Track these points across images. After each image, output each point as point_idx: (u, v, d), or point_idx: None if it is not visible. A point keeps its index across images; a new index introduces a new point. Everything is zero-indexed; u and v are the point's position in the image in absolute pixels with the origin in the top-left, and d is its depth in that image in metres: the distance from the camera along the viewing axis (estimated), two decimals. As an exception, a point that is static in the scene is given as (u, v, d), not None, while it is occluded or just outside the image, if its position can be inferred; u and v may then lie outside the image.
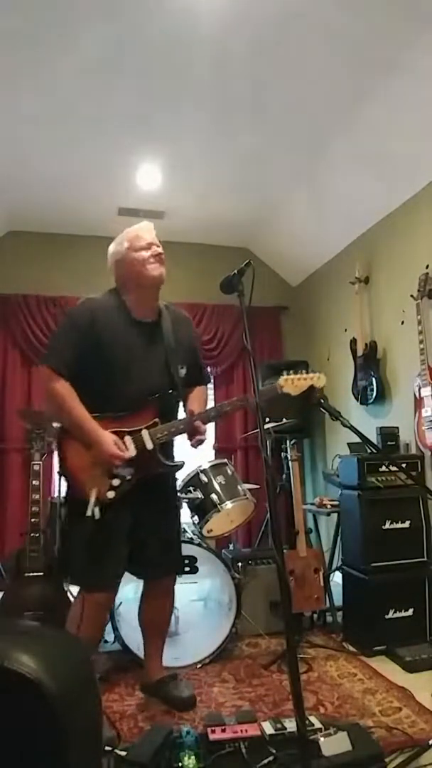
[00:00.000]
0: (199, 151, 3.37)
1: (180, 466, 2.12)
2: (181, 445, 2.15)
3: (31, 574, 2.61)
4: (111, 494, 1.91)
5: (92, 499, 1.85)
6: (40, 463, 2.81)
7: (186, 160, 3.47)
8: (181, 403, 2.19)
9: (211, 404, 4.50)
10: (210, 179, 3.71)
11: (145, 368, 2.02)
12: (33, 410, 3.84)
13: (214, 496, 2.50)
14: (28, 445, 2.96)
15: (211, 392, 4.57)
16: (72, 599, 2.66)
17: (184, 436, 2.07)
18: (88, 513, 1.84)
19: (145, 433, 1.97)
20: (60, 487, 3.12)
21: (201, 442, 2.07)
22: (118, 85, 2.73)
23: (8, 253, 4.28)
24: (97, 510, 1.85)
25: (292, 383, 2.04)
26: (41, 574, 2.61)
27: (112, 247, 2.11)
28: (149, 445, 1.96)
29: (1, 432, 4.03)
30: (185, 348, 2.16)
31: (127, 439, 1.95)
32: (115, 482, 1.93)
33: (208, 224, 4.33)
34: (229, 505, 2.49)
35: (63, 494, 2.14)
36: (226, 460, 2.71)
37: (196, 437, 2.05)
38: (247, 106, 2.93)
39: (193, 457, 2.57)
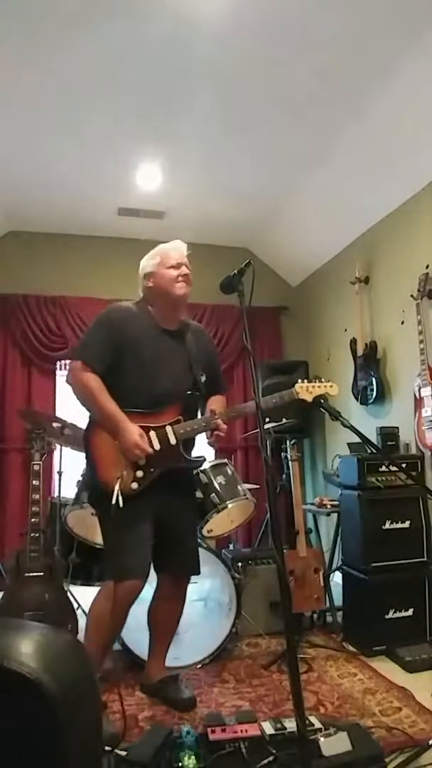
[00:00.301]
0: (199, 151, 3.37)
1: (201, 461, 2.23)
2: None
3: (31, 574, 2.61)
4: (134, 485, 1.99)
5: (117, 488, 1.94)
6: (40, 463, 2.80)
7: (186, 160, 3.47)
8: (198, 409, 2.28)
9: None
10: (210, 179, 3.71)
11: (171, 369, 2.12)
12: (33, 410, 3.84)
13: (214, 496, 2.50)
14: (28, 445, 2.96)
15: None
16: (72, 600, 2.66)
17: (202, 436, 2.18)
18: (113, 501, 1.92)
19: (169, 429, 2.07)
20: (60, 487, 3.14)
21: (219, 438, 2.16)
22: (119, 85, 2.73)
23: (8, 253, 4.28)
24: (121, 499, 1.93)
25: (307, 390, 2.17)
26: (41, 574, 2.61)
27: (144, 261, 2.22)
28: (173, 440, 2.06)
29: (1, 432, 4.03)
30: (205, 357, 2.27)
31: (152, 434, 2.05)
32: (139, 473, 2.01)
33: (208, 224, 4.33)
34: (229, 505, 2.49)
35: (86, 487, 2.26)
36: (226, 460, 2.71)
37: (215, 434, 2.13)
38: (246, 106, 2.93)
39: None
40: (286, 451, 3.04)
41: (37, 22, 2.32)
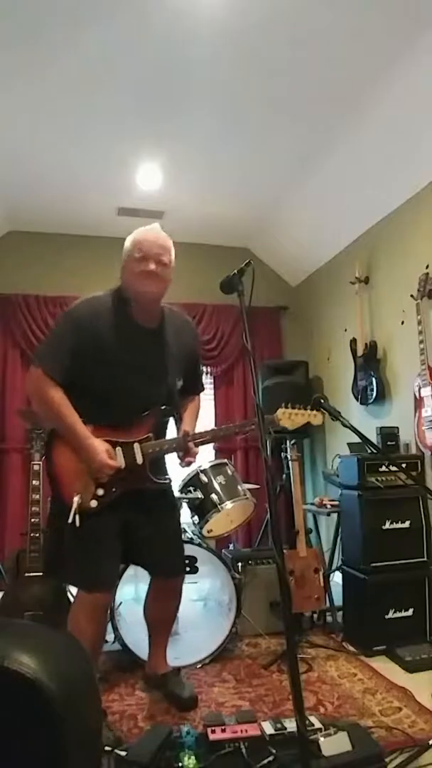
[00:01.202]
0: (199, 151, 3.37)
1: (168, 484, 2.10)
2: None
3: (31, 574, 2.61)
4: (94, 503, 1.88)
5: (74, 506, 1.83)
6: (40, 463, 2.81)
7: (186, 160, 3.47)
8: (173, 418, 2.16)
9: (211, 404, 4.53)
10: (210, 179, 3.71)
11: (144, 379, 1.96)
12: (33, 410, 3.84)
13: (214, 496, 2.49)
14: (28, 445, 2.96)
15: (211, 393, 4.58)
16: (72, 600, 2.66)
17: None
18: (69, 520, 1.82)
19: (136, 447, 1.94)
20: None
21: (190, 463, 2.05)
22: (118, 85, 2.73)
23: (8, 253, 4.28)
24: (77, 517, 1.83)
25: (289, 418, 2.09)
26: (41, 574, 2.61)
27: (125, 244, 2.00)
28: (139, 459, 1.93)
29: (1, 432, 4.03)
30: (185, 356, 2.11)
31: (118, 450, 1.92)
32: (100, 492, 1.89)
33: (208, 224, 4.33)
34: (229, 505, 2.49)
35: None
36: (226, 460, 2.71)
37: (186, 458, 2.02)
38: (247, 106, 2.93)
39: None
40: (286, 451, 3.04)
41: (36, 22, 2.32)
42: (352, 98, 2.86)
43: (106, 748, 1.65)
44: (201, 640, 2.55)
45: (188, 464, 2.05)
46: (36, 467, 2.83)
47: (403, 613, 2.62)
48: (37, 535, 2.68)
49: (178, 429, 2.12)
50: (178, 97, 2.85)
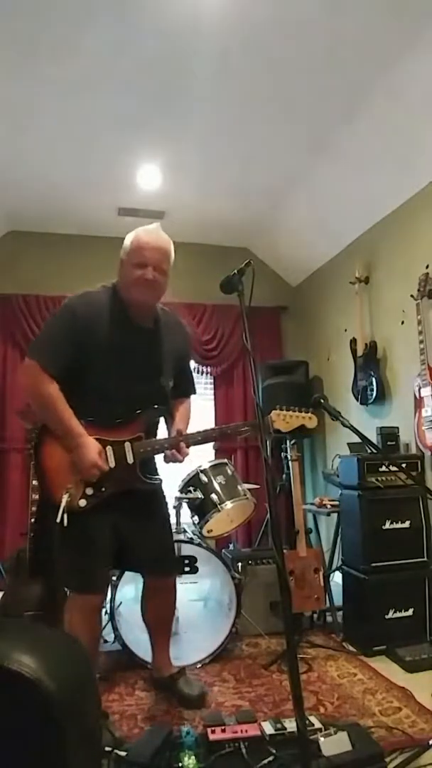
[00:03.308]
0: (199, 151, 3.37)
1: (158, 484, 2.07)
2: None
3: (31, 574, 2.61)
4: (83, 503, 1.85)
5: (63, 505, 1.80)
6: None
7: (186, 160, 3.47)
8: (163, 418, 2.15)
9: (211, 404, 4.53)
10: (210, 179, 3.71)
11: (138, 377, 1.94)
12: (33, 410, 3.83)
13: (214, 496, 2.50)
14: (28, 445, 2.96)
15: (210, 392, 4.58)
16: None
17: None
18: (58, 519, 1.79)
19: (127, 446, 1.91)
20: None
21: (177, 461, 2.01)
22: (119, 85, 2.73)
23: (8, 253, 4.28)
24: (65, 517, 1.80)
25: (283, 420, 2.05)
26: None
27: (124, 241, 1.98)
28: (130, 459, 1.91)
29: (1, 432, 4.04)
30: (177, 356, 2.11)
31: (109, 449, 1.89)
32: (89, 491, 1.87)
33: (208, 224, 4.33)
34: (229, 505, 2.49)
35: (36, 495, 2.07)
36: (226, 460, 2.71)
37: (174, 457, 1.98)
38: (246, 106, 2.93)
39: (192, 458, 2.57)
40: (286, 451, 3.04)
41: (36, 21, 2.32)
42: (352, 98, 2.86)
43: (106, 748, 1.65)
44: (201, 640, 2.55)
45: (173, 461, 2.00)
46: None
47: (403, 613, 2.62)
48: (37, 535, 2.68)
49: (168, 429, 2.11)
50: (178, 97, 2.85)
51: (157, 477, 2.07)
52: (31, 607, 2.53)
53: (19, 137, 3.13)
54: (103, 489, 1.89)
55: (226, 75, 2.69)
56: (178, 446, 1.97)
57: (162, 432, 2.14)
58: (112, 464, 1.88)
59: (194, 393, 2.31)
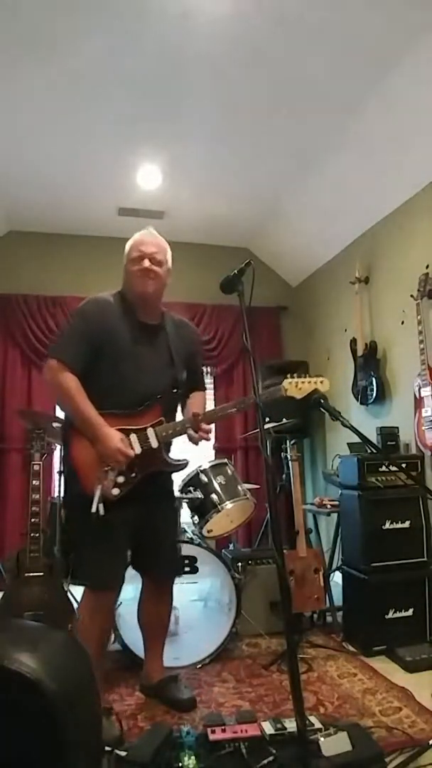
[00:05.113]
0: (199, 152, 3.37)
1: (185, 465, 2.12)
2: (181, 446, 2.16)
3: (31, 574, 2.61)
4: (116, 491, 1.91)
5: (97, 495, 1.85)
6: (40, 463, 2.80)
7: (186, 160, 3.47)
8: (179, 407, 2.21)
9: (211, 404, 4.53)
10: (210, 179, 3.71)
11: (151, 367, 2.04)
12: (33, 410, 3.84)
13: (214, 496, 2.49)
14: (28, 445, 2.96)
15: (210, 393, 4.57)
16: (72, 600, 2.66)
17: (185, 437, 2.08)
18: (93, 509, 1.83)
19: (150, 432, 1.97)
20: (60, 487, 3.14)
21: (203, 440, 2.08)
22: (119, 85, 2.73)
23: (8, 253, 4.28)
24: (101, 507, 1.85)
25: (296, 386, 2.05)
26: (41, 574, 2.61)
27: (125, 250, 2.12)
28: (154, 444, 1.97)
29: (1, 432, 4.03)
30: (188, 352, 2.18)
31: (133, 437, 1.96)
32: (120, 479, 1.92)
33: (208, 224, 4.33)
34: (229, 505, 2.49)
35: (62, 491, 2.12)
36: (226, 460, 2.70)
37: (200, 435, 2.05)
38: (246, 106, 2.93)
39: (193, 457, 2.57)
40: (286, 451, 3.04)
41: (37, 22, 2.32)
42: (351, 99, 2.86)
43: (106, 748, 1.65)
44: (201, 640, 2.54)
45: (201, 441, 2.06)
46: (36, 467, 2.82)
47: (403, 613, 2.62)
48: (37, 535, 2.68)
49: (184, 416, 2.18)
50: (178, 97, 2.85)
51: (182, 459, 2.12)
52: (31, 607, 2.53)
53: (20, 137, 3.13)
54: (134, 475, 1.94)
55: (226, 75, 2.69)
56: (198, 425, 2.02)
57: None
58: (138, 450, 1.94)
59: (205, 389, 2.40)
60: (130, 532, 2.00)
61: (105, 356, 1.98)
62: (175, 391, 2.09)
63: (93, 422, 1.90)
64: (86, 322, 2.01)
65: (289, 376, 2.08)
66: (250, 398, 2.06)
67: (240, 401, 2.14)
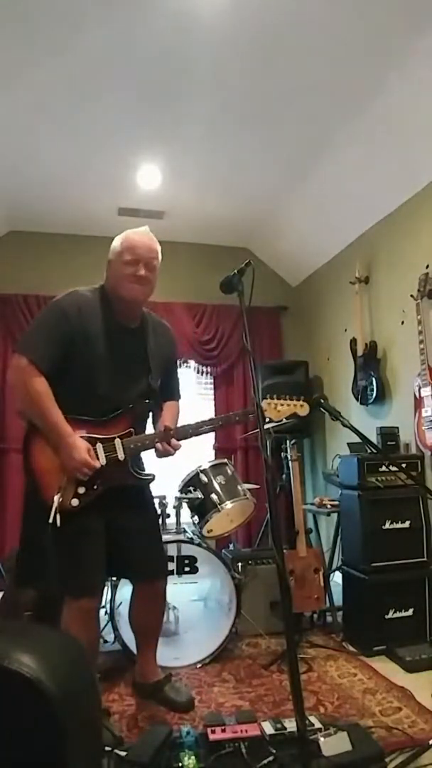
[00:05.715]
0: (199, 151, 3.37)
1: (151, 479, 2.03)
2: (179, 452, 2.03)
3: (31, 574, 2.60)
4: (75, 502, 1.82)
5: (55, 505, 1.78)
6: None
7: (186, 160, 3.47)
8: (150, 417, 2.13)
9: (211, 404, 4.52)
10: (210, 179, 3.71)
11: (125, 374, 1.95)
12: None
13: (214, 496, 2.50)
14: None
15: (210, 392, 4.58)
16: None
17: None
18: (50, 519, 1.76)
19: (117, 443, 1.89)
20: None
21: (168, 455, 1.96)
22: (119, 85, 2.73)
23: (8, 253, 4.28)
24: (59, 517, 1.77)
25: (274, 408, 2.02)
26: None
27: (113, 243, 2.01)
28: (121, 456, 1.89)
29: (1, 432, 4.04)
30: (164, 359, 2.11)
31: (99, 446, 1.87)
32: (81, 490, 1.84)
33: (208, 224, 4.33)
34: (229, 505, 2.49)
35: (24, 496, 2.07)
36: (226, 460, 2.71)
37: (165, 450, 1.94)
38: (246, 106, 2.93)
39: (192, 457, 2.57)
40: (286, 451, 3.04)
41: (36, 22, 2.32)
42: (352, 99, 2.86)
43: (106, 748, 1.65)
44: (201, 640, 2.55)
45: (165, 456, 1.96)
46: (36, 467, 2.82)
47: (403, 613, 2.62)
48: (37, 535, 2.68)
49: (155, 427, 2.09)
50: (178, 97, 2.85)
51: (148, 473, 2.04)
52: (31, 607, 2.53)
53: (19, 137, 3.13)
54: (96, 487, 1.86)
55: (226, 75, 2.69)
56: (168, 440, 1.94)
57: (149, 432, 2.11)
58: (103, 461, 1.86)
59: (180, 398, 2.27)
60: (102, 535, 1.89)
61: (77, 358, 1.87)
62: (147, 401, 2.01)
63: (60, 431, 1.80)
64: (60, 319, 1.87)
65: (269, 396, 2.05)
66: (221, 418, 2.04)
67: (215, 419, 2.09)
